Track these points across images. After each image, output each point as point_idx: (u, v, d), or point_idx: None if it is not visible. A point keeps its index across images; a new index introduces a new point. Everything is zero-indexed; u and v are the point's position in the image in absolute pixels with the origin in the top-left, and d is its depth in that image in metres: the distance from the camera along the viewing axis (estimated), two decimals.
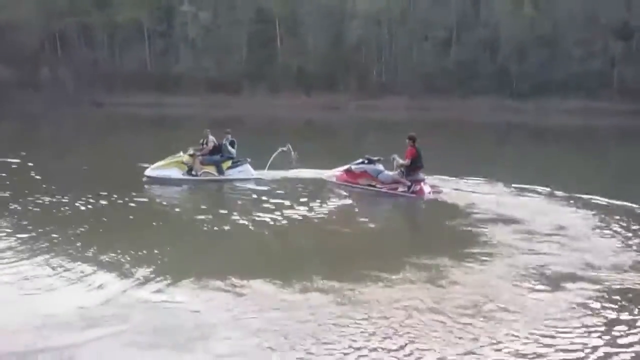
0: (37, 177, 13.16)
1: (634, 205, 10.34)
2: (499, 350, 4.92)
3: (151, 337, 5.06)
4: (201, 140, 13.33)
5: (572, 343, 5.07)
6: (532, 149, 24.28)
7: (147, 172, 12.69)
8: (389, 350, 4.89)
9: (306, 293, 6.10)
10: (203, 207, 10.76)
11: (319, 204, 10.68)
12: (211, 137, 13.26)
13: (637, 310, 5.81)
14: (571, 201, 10.94)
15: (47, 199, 10.56)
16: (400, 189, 11.58)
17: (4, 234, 8.17)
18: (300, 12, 57.15)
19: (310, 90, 54.01)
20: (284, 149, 13.91)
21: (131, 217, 9.77)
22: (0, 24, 51.90)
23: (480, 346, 4.98)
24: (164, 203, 11.38)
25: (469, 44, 53.64)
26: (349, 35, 56.22)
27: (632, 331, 5.32)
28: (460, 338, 5.10)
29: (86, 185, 12.00)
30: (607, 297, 6.11)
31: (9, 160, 15.28)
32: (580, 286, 6.40)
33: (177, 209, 10.83)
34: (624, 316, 5.66)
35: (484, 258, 7.40)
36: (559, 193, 11.53)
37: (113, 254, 7.25)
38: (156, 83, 54.41)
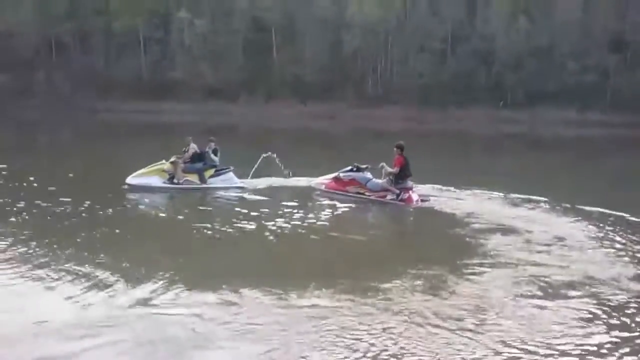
0: (17, 184, 12.84)
1: (633, 218, 10.37)
2: None
3: (148, 347, 5.01)
4: (184, 148, 13.19)
5: (571, 355, 5.06)
6: (528, 159, 24.35)
7: (128, 180, 12.49)
8: None
9: (304, 303, 6.07)
10: (190, 216, 10.58)
11: (308, 213, 10.60)
12: (193, 145, 13.10)
13: (636, 322, 5.81)
14: (568, 211, 10.96)
15: (24, 205, 10.38)
16: (389, 196, 11.69)
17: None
18: (297, 21, 57.35)
19: (307, 99, 54.10)
20: (265, 155, 13.71)
21: (116, 226, 9.53)
22: None
23: (480, 357, 4.96)
24: (148, 212, 11.20)
25: (464, 55, 53.97)
26: (345, 45, 56.43)
27: (630, 343, 5.32)
28: (459, 350, 5.09)
29: (70, 193, 11.76)
30: (606, 308, 6.11)
31: None
32: (579, 297, 6.41)
33: (161, 218, 10.69)
34: (624, 328, 5.66)
35: (483, 268, 7.40)
36: (556, 203, 11.55)
37: (102, 265, 7.16)
38: (152, 90, 54.30)
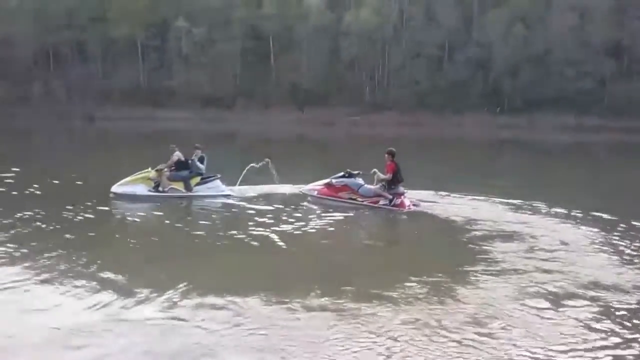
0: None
1: (635, 223, 10.31)
2: None
3: (151, 357, 4.92)
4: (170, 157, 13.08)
5: None
6: (526, 165, 24.37)
7: (113, 189, 12.34)
8: None
9: (307, 311, 5.97)
10: (177, 224, 10.42)
11: (303, 219, 10.49)
12: (177, 153, 12.88)
13: None
14: (569, 217, 10.91)
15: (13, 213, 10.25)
16: (382, 202, 11.74)
17: None
18: (295, 29, 57.52)
19: (304, 106, 54.24)
20: (255, 164, 13.50)
21: (105, 232, 9.52)
22: None
23: None
24: (131, 222, 10.97)
25: (461, 62, 54.18)
26: (342, 53, 56.66)
27: (635, 351, 5.25)
28: (464, 358, 5.01)
29: (54, 200, 11.66)
30: (611, 315, 6.04)
31: None
32: (584, 304, 6.33)
33: (144, 226, 10.53)
34: (628, 334, 5.58)
35: (487, 275, 7.32)
36: (557, 208, 11.51)
37: (95, 272, 7.10)
38: (149, 98, 54.46)
